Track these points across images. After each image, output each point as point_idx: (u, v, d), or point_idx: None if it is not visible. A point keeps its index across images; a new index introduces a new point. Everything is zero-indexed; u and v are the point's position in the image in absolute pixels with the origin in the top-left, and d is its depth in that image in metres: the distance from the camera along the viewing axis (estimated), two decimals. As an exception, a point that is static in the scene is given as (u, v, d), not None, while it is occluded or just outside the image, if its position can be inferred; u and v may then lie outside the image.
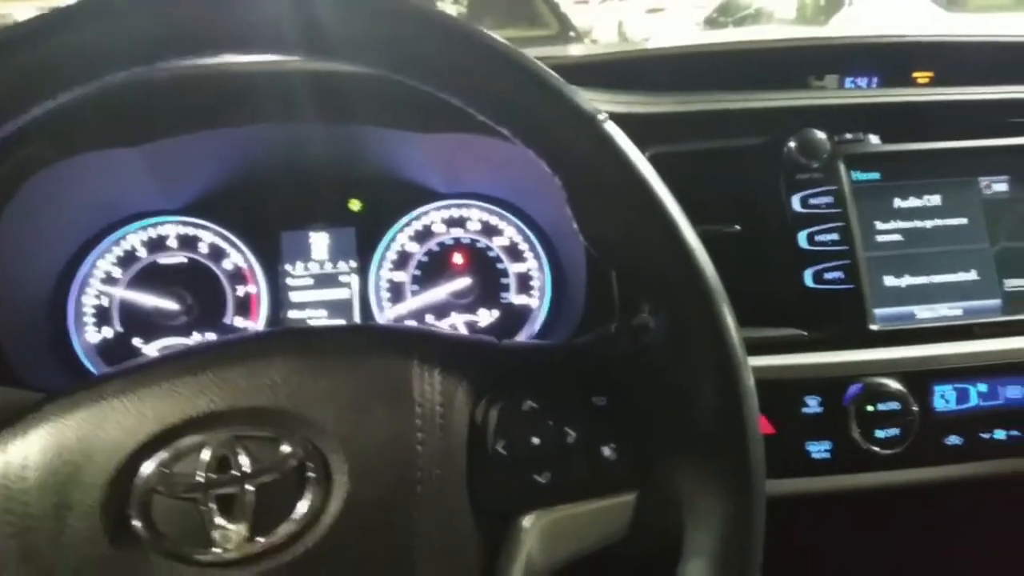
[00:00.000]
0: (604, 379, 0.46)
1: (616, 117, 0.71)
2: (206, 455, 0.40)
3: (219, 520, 0.39)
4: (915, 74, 0.86)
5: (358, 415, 0.42)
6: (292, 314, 0.80)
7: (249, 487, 0.40)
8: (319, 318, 0.80)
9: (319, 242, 0.80)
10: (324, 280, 0.80)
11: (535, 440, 0.43)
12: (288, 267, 0.80)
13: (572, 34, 3.88)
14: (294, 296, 0.80)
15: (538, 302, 0.82)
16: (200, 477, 0.40)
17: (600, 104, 0.72)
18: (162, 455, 0.40)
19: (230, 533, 0.39)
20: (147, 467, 0.40)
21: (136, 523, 0.39)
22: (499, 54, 0.42)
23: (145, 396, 0.42)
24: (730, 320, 0.43)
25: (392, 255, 0.81)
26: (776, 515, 0.71)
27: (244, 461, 0.40)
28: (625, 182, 0.43)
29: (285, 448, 0.41)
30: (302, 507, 0.40)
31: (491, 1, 4.52)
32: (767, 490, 0.66)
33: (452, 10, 5.01)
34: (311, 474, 0.41)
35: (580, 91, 0.45)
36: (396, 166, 0.78)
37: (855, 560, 0.78)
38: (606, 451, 0.44)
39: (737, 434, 0.42)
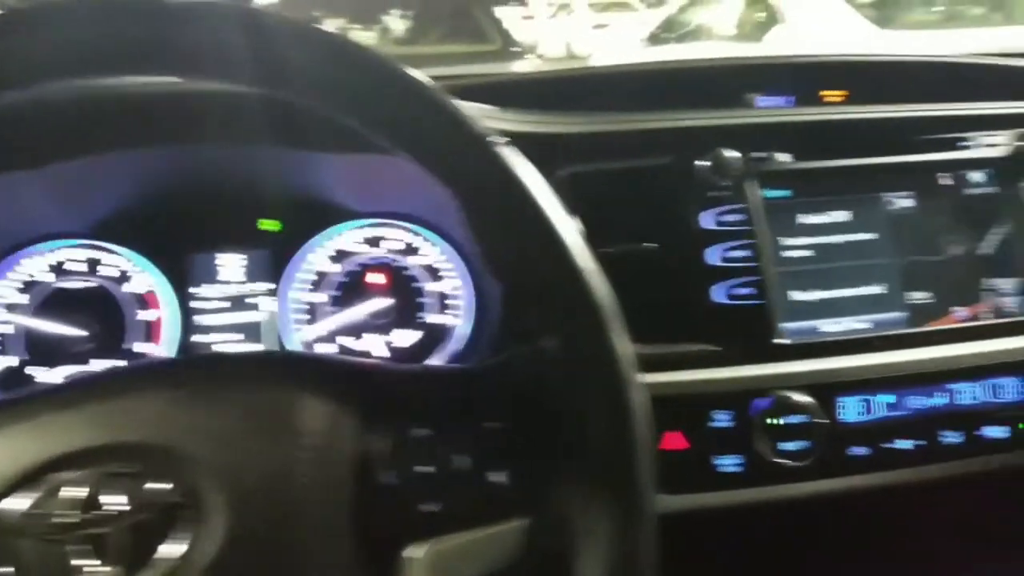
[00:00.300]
0: (499, 403, 0.45)
1: (531, 137, 0.73)
2: (77, 494, 0.39)
3: (89, 562, 0.38)
4: (829, 92, 0.88)
5: (238, 449, 0.41)
6: (201, 338, 0.78)
7: (122, 527, 0.39)
8: (231, 342, 0.78)
9: (232, 264, 0.79)
10: (237, 303, 0.79)
11: (426, 468, 0.42)
12: (197, 290, 0.78)
13: (515, 50, 3.89)
14: (204, 320, 0.78)
15: (461, 321, 0.81)
16: (70, 517, 0.38)
17: (515, 125, 0.72)
18: (31, 495, 0.39)
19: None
20: (14, 508, 0.38)
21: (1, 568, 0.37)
22: (391, 75, 0.42)
23: (16, 434, 0.40)
24: (619, 342, 0.43)
25: (308, 276, 0.79)
26: (689, 530, 0.72)
27: (117, 500, 0.39)
28: (516, 204, 0.43)
29: (161, 485, 0.40)
30: (178, 547, 0.39)
31: (435, 17, 4.52)
32: (679, 506, 0.67)
33: (400, 25, 5.01)
34: (187, 512, 0.39)
35: (475, 111, 0.45)
36: (311, 186, 0.77)
37: (769, 573, 0.79)
38: (498, 477, 0.43)
39: (625, 457, 0.42)
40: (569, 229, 0.43)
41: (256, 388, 0.43)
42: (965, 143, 0.78)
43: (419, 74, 0.43)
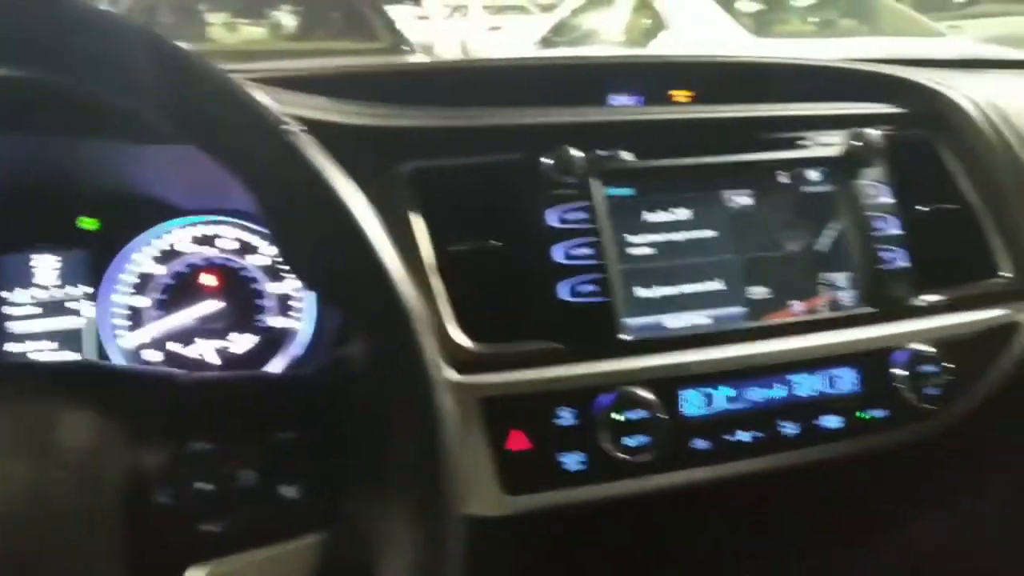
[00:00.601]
0: (295, 412, 0.42)
1: (371, 131, 0.70)
2: None
3: None
4: (675, 93, 0.89)
5: None
6: (12, 347, 0.71)
7: None
8: (45, 350, 0.72)
9: (45, 266, 0.72)
10: (52, 308, 0.72)
11: (207, 486, 0.39)
12: (9, 294, 0.71)
13: (405, 48, 3.85)
14: (15, 327, 0.71)
15: (303, 324, 0.77)
16: None
17: (353, 118, 0.69)
18: None
19: None
20: None
21: None
22: (172, 57, 0.38)
23: None
24: (426, 345, 0.41)
25: (131, 278, 0.74)
26: (539, 530, 0.71)
27: None
28: (316, 198, 0.40)
29: None
30: None
31: (324, 13, 4.43)
32: (525, 507, 0.66)
33: (290, 20, 4.87)
34: None
35: (271, 99, 0.42)
36: (131, 181, 0.72)
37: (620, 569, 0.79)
38: (290, 491, 0.40)
39: (429, 465, 0.40)
40: (373, 225, 0.41)
41: (9, 402, 0.38)
42: (803, 142, 0.81)
43: (207, 59, 0.41)
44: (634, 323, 0.71)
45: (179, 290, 0.74)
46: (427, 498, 0.40)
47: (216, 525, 0.39)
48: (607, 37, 4.62)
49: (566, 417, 0.67)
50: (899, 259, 0.79)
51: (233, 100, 0.40)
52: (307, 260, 0.41)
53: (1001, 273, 0.84)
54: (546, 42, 5.11)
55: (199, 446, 0.39)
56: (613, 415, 0.67)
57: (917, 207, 0.82)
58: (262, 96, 0.41)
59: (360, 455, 0.42)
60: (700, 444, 0.70)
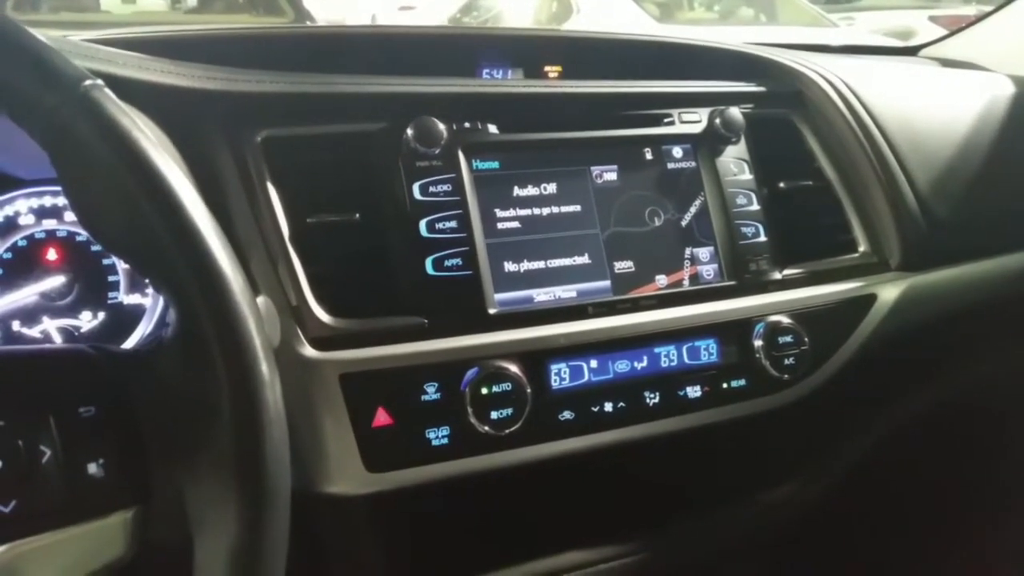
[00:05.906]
0: (98, 386, 0.40)
1: (223, 96, 0.67)
2: None
3: None
4: (546, 68, 0.89)
5: None
6: None
7: None
8: None
9: None
10: None
11: None
12: None
13: (308, 23, 3.74)
14: None
15: (155, 299, 0.74)
16: None
17: (202, 81, 0.66)
18: None
19: None
20: None
21: None
22: None
23: None
24: (244, 310, 0.39)
25: (-35, 253, 0.69)
26: (403, 505, 0.70)
27: None
28: (119, 158, 0.38)
29: None
30: None
31: (223, -15, 4.25)
32: (392, 483, 0.65)
33: (191, -2, 4.66)
34: None
35: (71, 53, 0.39)
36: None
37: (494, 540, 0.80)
38: (92, 467, 0.38)
39: (246, 438, 0.38)
40: (184, 187, 0.39)
41: None
42: (667, 119, 0.82)
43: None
44: (501, 297, 0.71)
45: (18, 265, 0.70)
46: (245, 475, 0.38)
47: (9, 505, 0.36)
48: (516, 19, 4.62)
49: (432, 392, 0.66)
50: (759, 234, 0.82)
51: (26, 54, 0.37)
52: (112, 224, 0.39)
53: (858, 247, 0.88)
54: (455, 22, 5.07)
55: None
56: (481, 389, 0.67)
57: (778, 183, 0.85)
58: (63, 52, 0.39)
59: (168, 429, 0.40)
60: (566, 416, 0.71)
